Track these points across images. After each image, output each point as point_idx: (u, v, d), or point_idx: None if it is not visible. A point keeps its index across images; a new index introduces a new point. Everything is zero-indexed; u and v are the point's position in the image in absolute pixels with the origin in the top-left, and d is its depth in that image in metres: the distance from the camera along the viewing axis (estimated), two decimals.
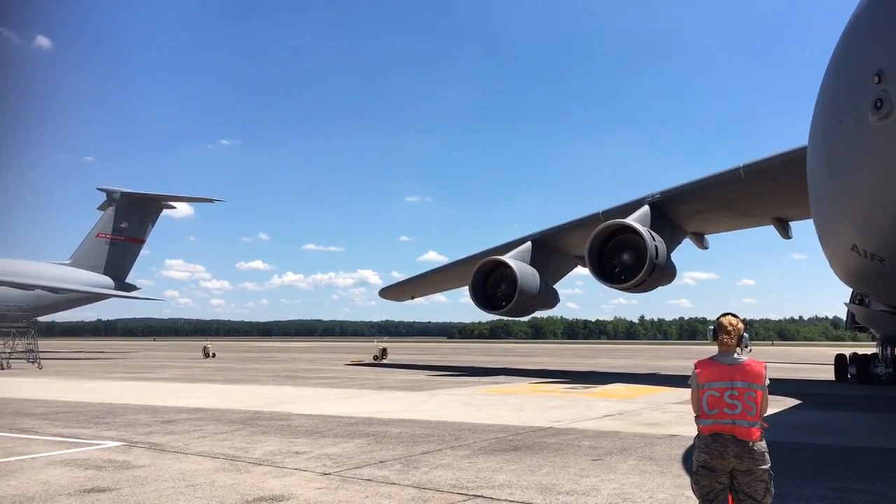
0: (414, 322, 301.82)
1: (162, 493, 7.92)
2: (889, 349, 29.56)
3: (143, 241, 67.49)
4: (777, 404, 18.54)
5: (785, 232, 30.79)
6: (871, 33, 10.60)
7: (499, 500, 7.72)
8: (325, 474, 9.03)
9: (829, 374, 32.40)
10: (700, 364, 5.33)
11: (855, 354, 30.44)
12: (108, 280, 63.28)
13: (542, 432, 13.05)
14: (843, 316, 38.28)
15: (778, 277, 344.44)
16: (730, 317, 5.39)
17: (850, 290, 26.85)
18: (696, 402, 5.31)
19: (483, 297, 34.30)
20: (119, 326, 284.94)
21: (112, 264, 64.07)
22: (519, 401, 19.49)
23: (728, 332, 5.30)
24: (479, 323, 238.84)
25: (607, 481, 8.64)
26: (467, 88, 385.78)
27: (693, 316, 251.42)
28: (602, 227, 28.95)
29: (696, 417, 5.32)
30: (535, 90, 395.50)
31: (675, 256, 31.41)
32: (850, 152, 11.60)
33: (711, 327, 5.42)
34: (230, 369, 36.88)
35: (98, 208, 65.26)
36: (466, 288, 34.84)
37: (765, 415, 5.23)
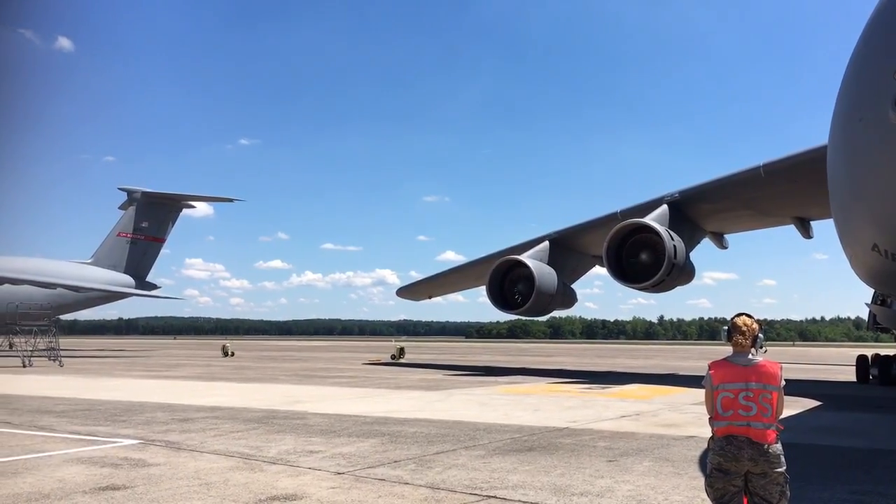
0: (432, 321, 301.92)
1: (176, 491, 7.95)
2: None
3: (163, 241, 68.06)
4: (797, 405, 18.35)
5: (806, 232, 30.50)
6: (892, 31, 10.46)
7: (512, 500, 7.68)
8: (339, 473, 9.03)
9: (850, 375, 32.03)
10: (714, 365, 5.27)
11: (877, 355, 30.05)
12: (128, 279, 63.85)
13: (557, 433, 12.99)
14: (866, 316, 37.83)
15: (799, 277, 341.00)
16: (744, 317, 5.32)
17: (872, 290, 26.54)
18: (711, 404, 5.24)
19: (500, 297, 34.25)
20: (140, 325, 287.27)
21: (133, 263, 64.67)
22: (535, 401, 19.42)
23: (742, 333, 5.23)
24: (498, 323, 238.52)
25: (622, 483, 8.57)
26: (485, 88, 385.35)
27: (713, 316, 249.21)
28: (620, 226, 28.80)
29: (711, 419, 5.26)
30: (553, 89, 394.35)
31: (695, 256, 31.20)
32: (871, 150, 11.46)
33: (726, 328, 5.35)
34: (248, 368, 37.05)
35: (119, 208, 65.94)
36: (484, 287, 34.79)
37: (780, 417, 5.16)
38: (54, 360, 38.86)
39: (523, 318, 41.34)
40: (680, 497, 7.87)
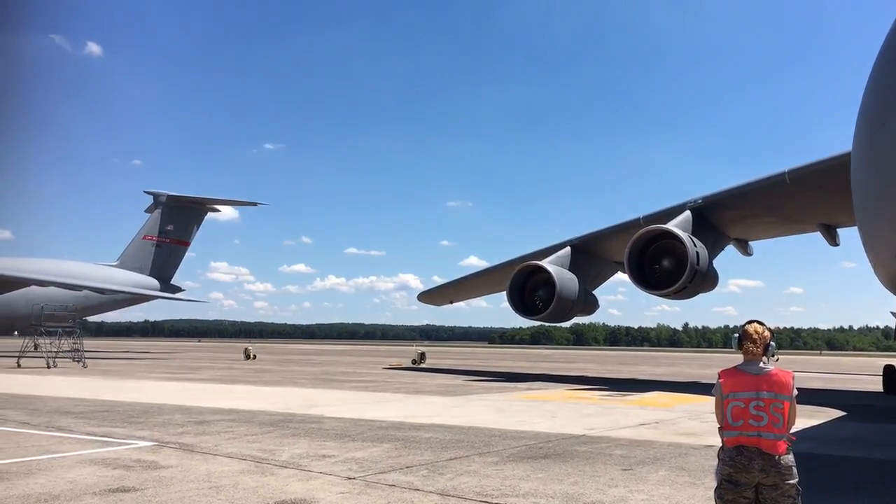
0: (455, 327, 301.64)
1: (185, 494, 7.93)
2: None
3: (188, 244, 68.68)
4: (822, 416, 18.04)
5: (832, 239, 30.03)
6: None
7: None
8: (350, 478, 8.97)
9: (878, 385, 31.47)
10: (724, 373, 5.14)
11: None
12: (153, 282, 64.48)
13: (573, 440, 12.84)
14: (894, 326, 37.17)
15: (827, 286, 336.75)
16: (755, 324, 5.18)
17: None
18: (720, 413, 5.11)
19: (521, 303, 34.01)
20: (166, 327, 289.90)
21: (158, 266, 65.32)
22: (554, 407, 19.26)
23: (753, 341, 5.09)
24: (521, 328, 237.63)
25: (636, 492, 8.43)
26: (509, 94, 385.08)
27: (738, 324, 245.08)
28: (642, 232, 28.54)
29: (720, 429, 5.12)
30: (577, 95, 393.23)
31: (721, 264, 30.83)
32: (894, 155, 11.21)
33: (736, 335, 5.22)
34: (269, 371, 37.18)
35: (145, 211, 66.75)
36: (506, 293, 34.59)
37: (792, 427, 5.02)
38: (78, 362, 39.26)
39: (546, 324, 40.91)
40: None
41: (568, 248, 34.72)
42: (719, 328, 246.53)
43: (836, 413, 19.17)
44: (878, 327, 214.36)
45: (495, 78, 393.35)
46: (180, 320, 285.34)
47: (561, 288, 32.44)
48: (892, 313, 30.51)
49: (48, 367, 36.26)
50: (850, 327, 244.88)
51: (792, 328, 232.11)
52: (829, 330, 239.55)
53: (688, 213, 29.54)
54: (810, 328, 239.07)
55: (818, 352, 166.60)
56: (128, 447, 11.21)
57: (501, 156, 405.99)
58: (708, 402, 21.27)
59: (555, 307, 32.61)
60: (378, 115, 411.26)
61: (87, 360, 40.11)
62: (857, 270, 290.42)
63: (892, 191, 12.15)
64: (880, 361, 47.78)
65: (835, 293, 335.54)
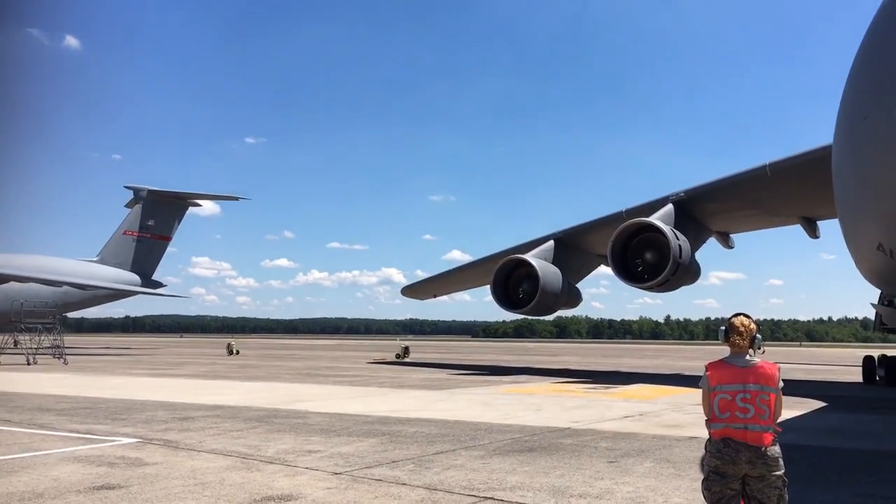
0: (438, 320, 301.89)
1: (171, 490, 7.89)
2: None
3: (169, 239, 68.07)
4: (802, 407, 18.21)
5: (812, 231, 30.34)
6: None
7: (509, 502, 7.59)
8: (336, 474, 8.95)
9: (857, 376, 31.84)
10: (711, 366, 5.17)
11: (884, 356, 29.78)
12: (134, 277, 63.88)
13: (559, 433, 12.89)
14: (873, 317, 37.56)
15: (807, 277, 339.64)
16: (742, 317, 5.22)
17: (878, 290, 26.31)
18: (707, 406, 5.15)
19: (505, 296, 34.10)
20: (147, 323, 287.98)
21: (139, 261, 64.70)
22: (538, 401, 19.32)
23: (740, 334, 5.13)
24: (504, 322, 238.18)
25: (622, 484, 8.47)
26: (491, 88, 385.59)
27: (720, 316, 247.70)
28: (625, 225, 28.65)
29: (707, 421, 5.16)
30: (559, 88, 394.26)
31: (702, 256, 31.05)
32: (876, 148, 11.32)
33: (723, 328, 5.26)
34: (252, 366, 37.02)
35: (125, 206, 65.99)
36: (489, 286, 34.65)
37: (778, 419, 5.06)
38: (59, 358, 38.92)
39: (529, 317, 41.05)
40: (679, 499, 7.77)
41: (551, 242, 34.81)
42: (701, 320, 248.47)
43: (817, 404, 19.35)
44: (857, 318, 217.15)
45: (477, 71, 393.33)
46: (162, 316, 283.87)
47: (544, 281, 32.53)
48: (871, 304, 30.82)
49: (28, 364, 35.93)
50: (830, 318, 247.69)
51: (772, 320, 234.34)
52: (808, 321, 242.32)
53: (670, 206, 29.70)
54: (790, 319, 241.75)
55: (798, 343, 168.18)
56: (111, 444, 11.13)
57: (484, 149, 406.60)
58: (691, 394, 21.45)
59: (538, 300, 32.71)
60: (360, 108, 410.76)
61: (67, 356, 39.77)
62: (837, 262, 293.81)
63: (873, 184, 12.28)
64: (860, 352, 48.36)
65: (814, 285, 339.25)
